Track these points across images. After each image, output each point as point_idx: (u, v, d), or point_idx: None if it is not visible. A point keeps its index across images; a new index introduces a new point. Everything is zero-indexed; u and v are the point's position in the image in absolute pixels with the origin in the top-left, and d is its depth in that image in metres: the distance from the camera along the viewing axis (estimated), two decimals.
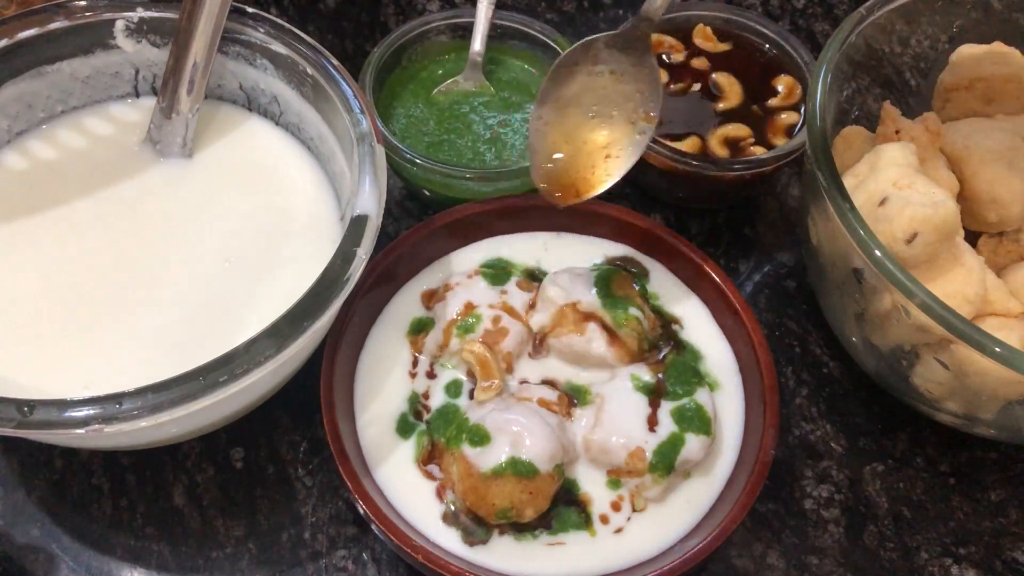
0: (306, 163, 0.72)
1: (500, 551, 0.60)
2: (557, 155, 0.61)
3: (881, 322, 0.64)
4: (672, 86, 0.81)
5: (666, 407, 0.63)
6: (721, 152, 0.77)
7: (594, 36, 0.60)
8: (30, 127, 0.70)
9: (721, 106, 0.80)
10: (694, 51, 0.83)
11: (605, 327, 0.65)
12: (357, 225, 0.59)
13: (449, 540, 0.60)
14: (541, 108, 0.61)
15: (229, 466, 0.68)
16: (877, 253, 0.59)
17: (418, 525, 0.60)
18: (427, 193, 0.78)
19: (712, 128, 0.79)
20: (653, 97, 0.60)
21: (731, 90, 0.80)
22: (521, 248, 0.72)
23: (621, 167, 0.61)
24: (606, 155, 0.61)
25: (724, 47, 0.84)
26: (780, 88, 0.81)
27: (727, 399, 0.67)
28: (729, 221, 0.83)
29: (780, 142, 0.78)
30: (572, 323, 0.65)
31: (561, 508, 0.61)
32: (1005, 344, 0.56)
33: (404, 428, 0.64)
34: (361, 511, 0.59)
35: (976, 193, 0.69)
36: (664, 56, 0.83)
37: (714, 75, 0.81)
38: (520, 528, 0.60)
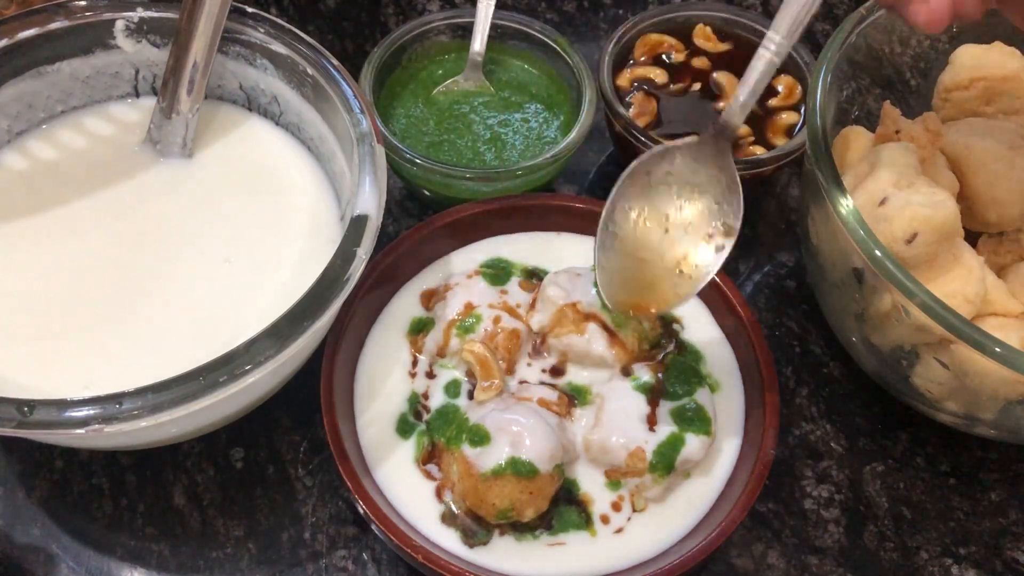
0: (306, 163, 0.72)
1: (500, 551, 0.60)
2: (629, 264, 0.58)
3: (881, 322, 0.64)
4: (672, 86, 0.81)
5: (666, 407, 0.63)
6: None
7: (671, 145, 0.57)
8: (30, 127, 0.70)
9: (721, 105, 0.80)
10: (694, 51, 0.83)
11: (605, 327, 0.65)
12: (357, 225, 0.59)
13: (449, 540, 0.60)
14: (614, 210, 0.58)
15: (229, 466, 0.68)
16: (877, 253, 0.59)
17: (418, 525, 0.60)
18: (427, 193, 0.78)
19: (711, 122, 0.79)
20: (733, 209, 0.57)
21: (732, 89, 0.81)
22: (521, 248, 0.72)
23: (695, 285, 0.58)
24: (679, 271, 0.58)
25: (724, 47, 0.84)
26: (780, 88, 0.81)
27: (727, 399, 0.67)
28: None
29: (780, 142, 0.78)
30: (572, 323, 0.65)
31: (561, 508, 0.61)
32: (1005, 344, 0.56)
33: (404, 428, 0.64)
34: (361, 511, 0.59)
35: (976, 193, 0.69)
36: (664, 56, 0.83)
37: (715, 74, 0.81)
38: (520, 528, 0.60)
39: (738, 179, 0.57)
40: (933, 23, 0.52)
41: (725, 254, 0.58)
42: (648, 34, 0.83)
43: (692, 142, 0.58)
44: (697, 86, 0.81)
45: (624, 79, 0.81)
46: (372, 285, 0.67)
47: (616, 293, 0.61)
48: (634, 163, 0.58)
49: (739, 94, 0.57)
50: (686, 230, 0.58)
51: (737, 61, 0.82)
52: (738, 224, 0.57)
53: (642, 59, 0.83)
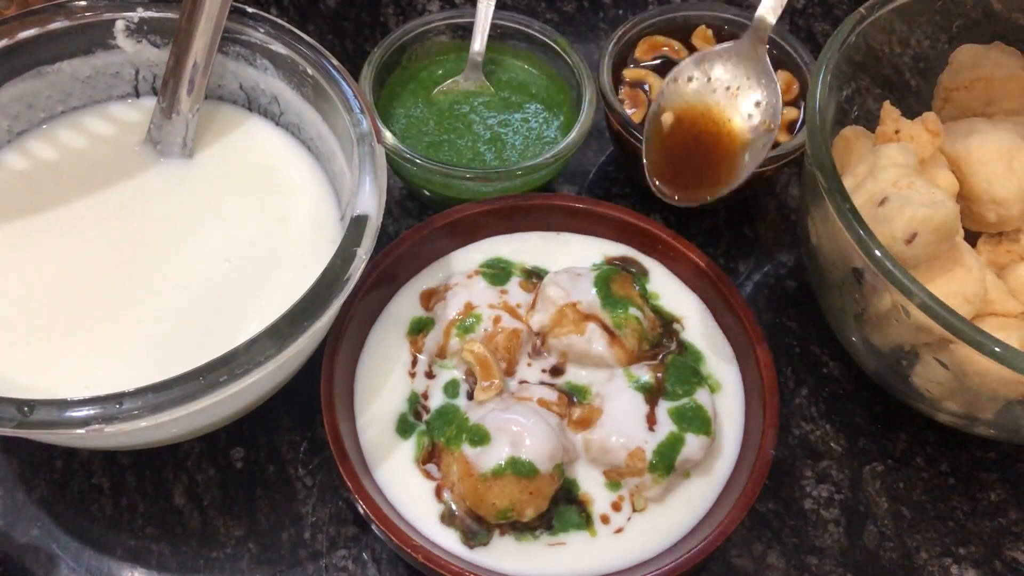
0: (306, 163, 0.72)
1: (500, 551, 0.60)
2: (676, 152, 0.60)
3: (881, 322, 0.64)
4: None
5: (666, 407, 0.63)
6: None
7: (708, 51, 0.59)
8: (30, 127, 0.70)
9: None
10: (694, 50, 0.83)
11: (605, 327, 0.65)
12: (357, 225, 0.59)
13: (449, 540, 0.60)
14: (661, 104, 0.60)
15: (229, 466, 0.68)
16: (877, 253, 0.59)
17: (418, 525, 0.60)
18: (427, 193, 0.78)
19: None
20: (773, 105, 0.60)
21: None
22: (521, 248, 0.72)
23: (740, 174, 0.60)
24: (731, 155, 0.60)
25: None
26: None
27: (727, 399, 0.67)
28: (729, 221, 0.83)
29: (781, 138, 0.78)
30: (572, 323, 0.65)
31: (561, 508, 0.61)
32: (1005, 344, 0.56)
33: (404, 428, 0.64)
34: (361, 511, 0.59)
35: (976, 193, 0.69)
36: (664, 58, 0.83)
37: None
38: (520, 528, 0.60)
39: (775, 77, 0.59)
40: None
41: (769, 144, 0.60)
42: (649, 36, 0.83)
43: (728, 46, 0.60)
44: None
45: (624, 79, 0.81)
46: (372, 285, 0.67)
47: (666, 177, 0.61)
48: (674, 69, 0.59)
49: None
50: (730, 120, 0.60)
51: None
52: (778, 120, 0.59)
53: (643, 60, 0.82)
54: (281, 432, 0.70)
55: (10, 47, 0.66)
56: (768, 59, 0.61)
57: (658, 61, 0.83)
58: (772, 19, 0.60)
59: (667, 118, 0.60)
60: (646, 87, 0.81)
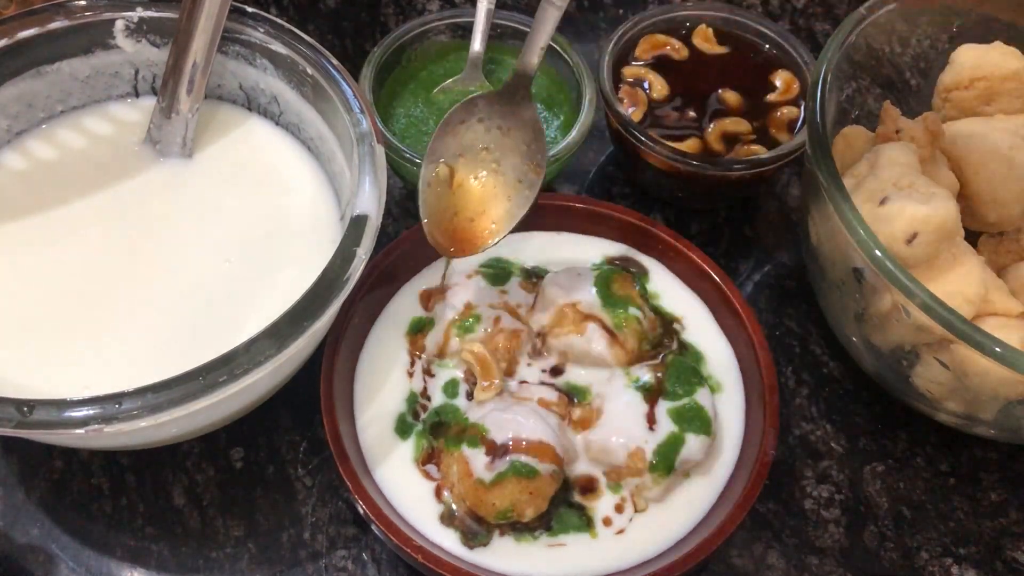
0: (306, 163, 0.72)
1: (500, 551, 0.60)
2: (450, 206, 0.62)
3: (881, 322, 0.64)
4: (673, 90, 0.81)
5: (666, 407, 0.63)
6: (719, 147, 0.77)
7: (477, 95, 0.62)
8: (30, 127, 0.70)
9: (727, 121, 0.79)
10: (694, 51, 0.83)
11: (605, 327, 0.65)
12: (357, 225, 0.59)
13: (448, 540, 0.60)
14: (429, 165, 0.62)
15: (229, 466, 0.68)
16: (877, 253, 0.59)
17: (417, 525, 0.60)
18: None
19: (709, 123, 0.79)
20: (539, 150, 0.62)
21: (737, 106, 0.80)
22: (521, 248, 0.72)
23: (510, 220, 0.62)
24: (498, 207, 0.62)
25: (722, 50, 0.83)
26: (778, 83, 0.81)
27: (727, 399, 0.67)
28: (729, 221, 0.83)
29: (783, 137, 0.78)
30: (572, 323, 0.65)
31: (561, 509, 0.61)
32: (1005, 344, 0.56)
33: (403, 428, 0.64)
34: (361, 511, 0.59)
35: (976, 193, 0.69)
36: (666, 56, 0.83)
37: (720, 91, 0.80)
38: (520, 529, 0.60)
39: (539, 120, 0.62)
40: None
41: (537, 188, 0.62)
42: (651, 34, 0.83)
43: (494, 91, 0.63)
44: (698, 90, 0.81)
45: (624, 79, 0.81)
46: (372, 285, 0.67)
47: (442, 232, 0.62)
48: (445, 115, 0.62)
49: (532, 41, 0.62)
50: (500, 170, 0.62)
51: (735, 66, 0.82)
52: (544, 164, 0.62)
53: (643, 59, 0.82)
54: (281, 432, 0.70)
55: (10, 47, 0.66)
56: (533, 103, 0.63)
57: (657, 59, 0.83)
58: (533, 65, 0.63)
59: (442, 171, 0.62)
60: (646, 85, 0.81)
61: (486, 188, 0.62)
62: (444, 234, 0.62)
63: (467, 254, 0.62)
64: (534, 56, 0.62)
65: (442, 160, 0.62)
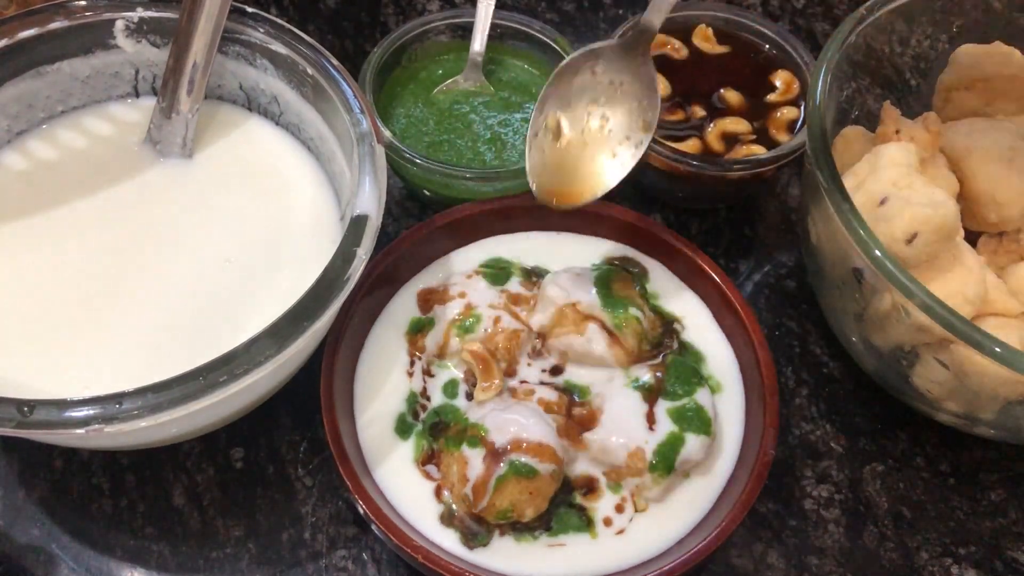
0: (306, 163, 0.72)
1: (500, 551, 0.60)
2: (555, 157, 0.61)
3: (881, 322, 0.64)
4: (673, 90, 0.81)
5: (666, 407, 0.63)
6: (719, 147, 0.77)
7: (597, 44, 0.61)
8: (30, 127, 0.70)
9: (728, 121, 0.79)
10: (694, 51, 0.83)
11: (605, 327, 0.65)
12: (357, 225, 0.59)
13: (448, 540, 0.60)
14: (543, 109, 0.62)
15: (229, 466, 0.68)
16: (877, 253, 0.59)
17: (417, 525, 0.60)
18: (427, 193, 0.78)
19: (710, 123, 0.79)
20: (651, 107, 0.61)
21: (739, 106, 0.80)
22: (521, 248, 0.72)
23: (617, 174, 0.61)
24: (603, 162, 0.61)
25: (722, 50, 0.83)
26: (778, 83, 0.81)
27: (727, 399, 0.67)
28: (729, 221, 0.83)
29: (783, 137, 0.78)
30: (572, 323, 0.65)
31: (561, 509, 0.61)
32: (1005, 344, 0.56)
33: (403, 428, 0.64)
34: (361, 511, 0.59)
35: (976, 193, 0.69)
36: (666, 56, 0.83)
37: (721, 91, 0.80)
38: (520, 529, 0.60)
39: (656, 78, 0.61)
40: None
41: (644, 148, 0.61)
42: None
43: (614, 43, 0.61)
44: (699, 90, 0.81)
45: None
46: (372, 285, 0.67)
47: (546, 182, 0.62)
48: (561, 64, 0.61)
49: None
50: (609, 124, 0.62)
51: (735, 65, 0.82)
52: (655, 120, 0.61)
53: None
54: (281, 432, 0.70)
55: (10, 47, 0.66)
56: (651, 61, 0.62)
57: (657, 59, 0.83)
58: (657, 24, 0.61)
59: (551, 121, 0.61)
60: None
61: (593, 141, 0.61)
62: (548, 184, 0.61)
63: (568, 205, 0.61)
64: (661, 14, 0.60)
65: (552, 111, 0.61)
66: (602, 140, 0.61)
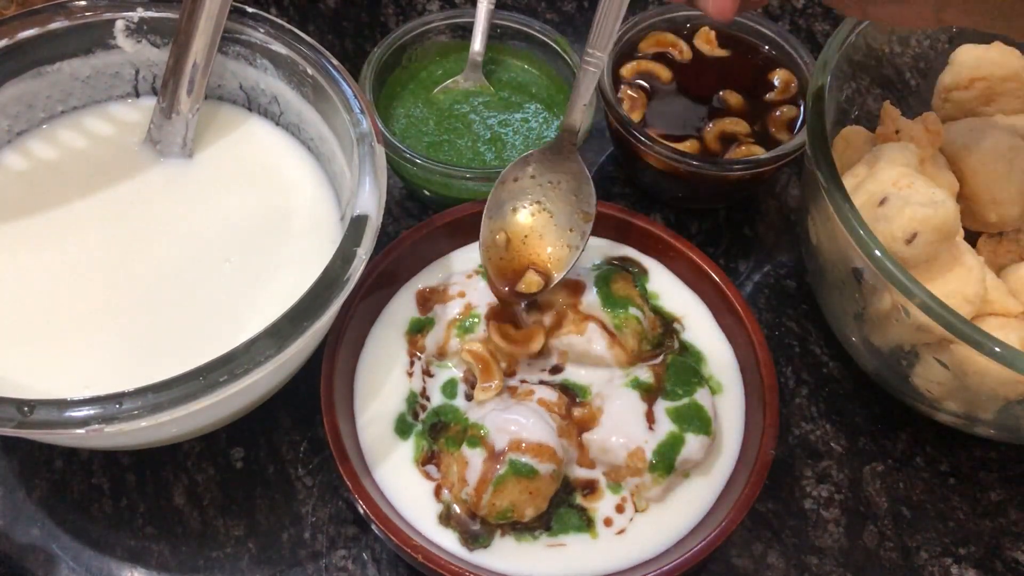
0: (306, 163, 0.72)
1: (500, 551, 0.60)
2: (509, 256, 0.67)
3: (881, 322, 0.64)
4: (676, 88, 0.81)
5: (666, 407, 0.63)
6: (717, 147, 0.77)
7: (527, 153, 0.68)
8: (30, 127, 0.70)
9: (727, 121, 0.79)
10: (696, 53, 0.83)
11: (605, 327, 0.65)
12: (357, 225, 0.59)
13: (448, 540, 0.60)
14: (490, 220, 0.67)
15: (229, 466, 0.68)
16: (877, 253, 0.59)
17: (417, 525, 0.60)
18: (427, 193, 0.78)
19: (708, 123, 0.79)
20: (586, 199, 0.67)
21: (738, 107, 0.80)
22: None
23: (564, 266, 0.66)
24: (555, 252, 0.67)
25: (723, 53, 0.83)
26: (776, 82, 0.81)
27: (727, 399, 0.67)
28: (729, 221, 0.83)
29: (783, 136, 0.78)
30: (572, 323, 0.65)
31: (561, 509, 0.61)
32: (1005, 344, 0.56)
33: (403, 428, 0.64)
34: (361, 511, 0.59)
35: (976, 193, 0.69)
36: (667, 55, 0.83)
37: (721, 92, 0.81)
38: (520, 529, 0.60)
39: (586, 172, 0.67)
40: (723, 12, 0.58)
41: (587, 234, 0.66)
42: (656, 32, 0.83)
43: (544, 147, 0.68)
44: (699, 90, 0.81)
45: (624, 79, 0.81)
46: (372, 285, 0.67)
47: (499, 279, 0.66)
48: (501, 173, 0.67)
49: (574, 101, 0.67)
50: (552, 220, 0.67)
51: (735, 68, 0.82)
52: (592, 211, 0.67)
53: (647, 54, 0.82)
54: (281, 432, 0.70)
55: (10, 47, 0.66)
56: (578, 157, 0.68)
57: (659, 56, 0.83)
58: (577, 123, 0.68)
59: (500, 238, 0.67)
60: (645, 84, 0.81)
61: (541, 236, 0.67)
62: (503, 281, 0.66)
63: (526, 298, 0.66)
64: (577, 114, 0.67)
65: (499, 218, 0.67)
66: (549, 234, 0.67)
